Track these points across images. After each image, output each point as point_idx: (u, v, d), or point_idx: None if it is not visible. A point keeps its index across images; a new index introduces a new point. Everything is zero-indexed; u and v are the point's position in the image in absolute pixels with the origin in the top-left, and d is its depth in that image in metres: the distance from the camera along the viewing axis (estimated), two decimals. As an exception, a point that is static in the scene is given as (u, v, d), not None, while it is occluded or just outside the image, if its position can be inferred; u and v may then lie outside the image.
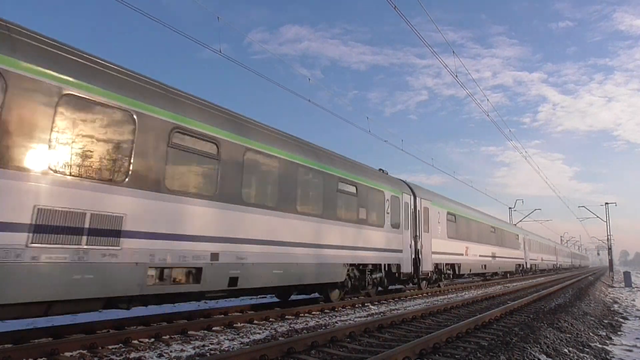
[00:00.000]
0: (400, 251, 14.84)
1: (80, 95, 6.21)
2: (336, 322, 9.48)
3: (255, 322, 9.25)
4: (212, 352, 6.48)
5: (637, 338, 9.13)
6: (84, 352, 6.26)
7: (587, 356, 6.96)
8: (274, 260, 9.35)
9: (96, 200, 6.24)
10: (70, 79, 6.14)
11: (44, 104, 5.79)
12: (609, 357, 7.18)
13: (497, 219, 30.41)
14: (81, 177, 6.11)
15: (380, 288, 14.72)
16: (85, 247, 6.00)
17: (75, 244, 5.90)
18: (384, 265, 13.88)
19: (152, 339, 7.22)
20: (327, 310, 11.47)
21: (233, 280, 8.38)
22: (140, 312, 10.07)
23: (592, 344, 7.91)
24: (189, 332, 7.82)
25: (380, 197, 13.89)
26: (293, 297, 13.34)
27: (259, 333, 8.03)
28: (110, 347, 6.63)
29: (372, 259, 13.15)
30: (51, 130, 5.84)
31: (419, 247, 16.21)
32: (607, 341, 8.61)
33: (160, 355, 6.25)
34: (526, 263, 37.13)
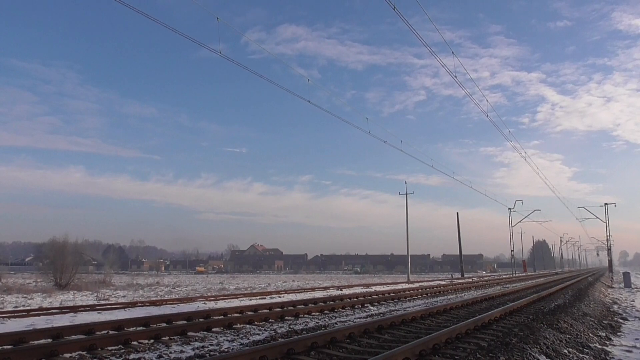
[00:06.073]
0: None
1: None
2: (335, 323, 9.48)
3: (255, 323, 9.25)
4: (211, 353, 6.47)
5: (637, 339, 9.13)
6: (84, 353, 6.25)
7: (587, 357, 6.96)
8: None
9: None
10: None
11: None
12: (608, 358, 7.18)
13: None
14: None
15: None
16: None
17: None
18: None
19: (152, 340, 7.22)
20: (327, 311, 11.47)
21: None
22: (140, 313, 10.07)
23: (592, 345, 7.91)
24: (189, 333, 7.81)
25: None
26: (292, 297, 13.34)
27: (259, 334, 8.03)
28: (109, 348, 6.63)
29: None
30: None
31: None
32: (607, 342, 8.61)
33: (159, 357, 6.24)
34: None
